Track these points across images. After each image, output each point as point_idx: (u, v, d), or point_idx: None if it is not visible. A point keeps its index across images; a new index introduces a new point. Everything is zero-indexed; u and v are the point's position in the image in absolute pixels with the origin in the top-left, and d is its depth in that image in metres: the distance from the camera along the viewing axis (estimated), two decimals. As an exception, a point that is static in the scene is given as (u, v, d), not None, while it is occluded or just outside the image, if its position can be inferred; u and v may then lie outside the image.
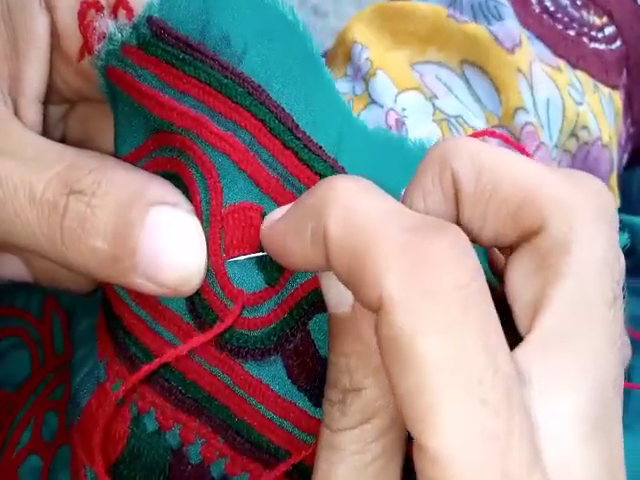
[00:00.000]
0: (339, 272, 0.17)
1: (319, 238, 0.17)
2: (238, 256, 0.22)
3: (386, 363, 0.16)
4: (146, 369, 0.22)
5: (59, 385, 0.28)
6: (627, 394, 0.32)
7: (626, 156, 0.34)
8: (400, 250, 0.16)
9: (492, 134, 0.23)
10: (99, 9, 0.22)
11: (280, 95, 0.22)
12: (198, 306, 0.22)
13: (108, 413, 0.22)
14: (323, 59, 0.23)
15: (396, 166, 0.24)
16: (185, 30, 0.21)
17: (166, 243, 0.20)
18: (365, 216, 0.17)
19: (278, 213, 0.20)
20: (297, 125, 0.22)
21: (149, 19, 0.21)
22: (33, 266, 0.25)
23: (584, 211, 0.17)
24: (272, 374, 0.22)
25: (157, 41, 0.21)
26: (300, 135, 0.22)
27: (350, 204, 0.17)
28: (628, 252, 0.33)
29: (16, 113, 0.23)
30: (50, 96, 0.24)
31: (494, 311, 0.16)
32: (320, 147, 0.22)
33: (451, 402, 0.15)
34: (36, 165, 0.21)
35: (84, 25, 0.22)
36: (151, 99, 0.21)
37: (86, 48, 0.22)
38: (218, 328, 0.21)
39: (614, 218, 0.18)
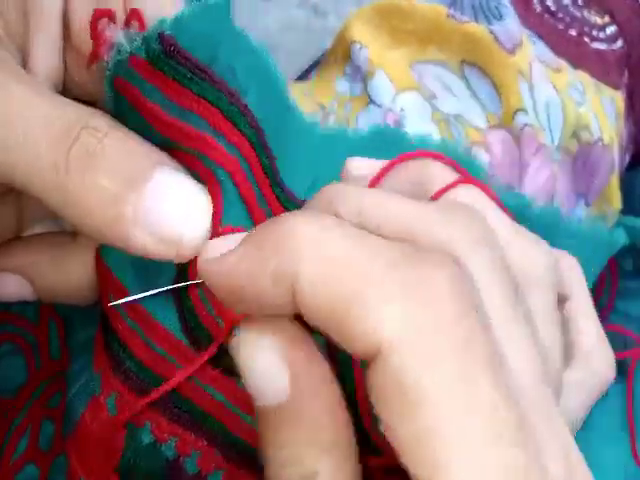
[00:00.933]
0: (316, 323, 0.16)
1: (285, 282, 0.16)
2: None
3: (385, 414, 0.15)
4: (153, 397, 0.22)
5: (56, 393, 0.28)
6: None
7: (628, 156, 0.34)
8: (394, 289, 0.15)
9: (437, 157, 0.23)
10: (112, 19, 0.22)
11: (269, 139, 0.22)
12: (191, 322, 0.22)
13: (106, 431, 0.22)
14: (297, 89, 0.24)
15: None
16: (196, 52, 0.21)
17: (171, 199, 0.20)
18: (344, 256, 0.15)
19: (222, 246, 0.18)
20: (277, 170, 0.22)
21: (161, 35, 0.20)
22: (35, 283, 0.24)
23: (460, 244, 0.17)
24: None
25: (167, 58, 0.21)
26: (278, 180, 0.22)
27: (322, 244, 0.16)
28: (630, 253, 0.33)
29: None
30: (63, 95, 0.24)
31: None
32: (292, 194, 0.23)
33: (467, 442, 0.14)
34: (55, 99, 0.21)
35: (96, 33, 0.22)
36: (156, 118, 0.21)
37: (96, 56, 0.22)
38: (212, 348, 0.21)
39: (493, 240, 0.18)
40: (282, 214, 0.17)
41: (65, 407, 0.24)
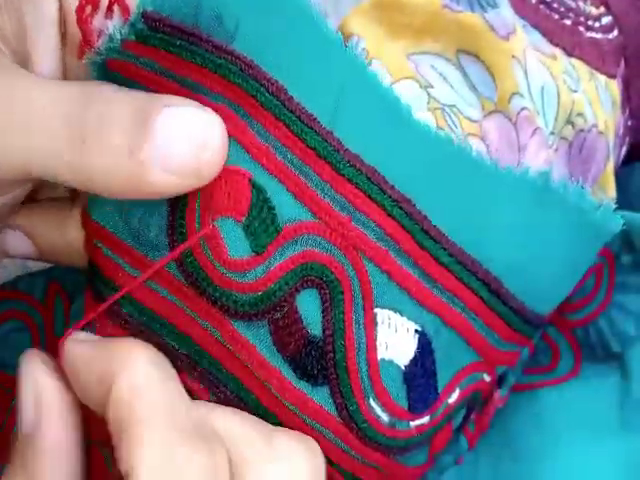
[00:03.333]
0: (110, 423, 0.19)
1: (105, 385, 0.20)
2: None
3: None
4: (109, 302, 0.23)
5: None
6: (627, 388, 0.31)
7: (624, 149, 0.34)
8: (156, 448, 0.18)
9: None
10: (96, 5, 0.22)
11: (273, 66, 0.22)
12: (188, 266, 0.22)
13: None
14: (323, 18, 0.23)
15: (397, 133, 0.24)
16: (179, 16, 0.22)
17: (182, 132, 0.20)
18: (145, 396, 0.19)
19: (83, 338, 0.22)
20: (291, 97, 0.22)
21: (144, 14, 0.22)
22: (37, 241, 0.25)
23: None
24: (259, 337, 0.22)
25: (154, 33, 0.22)
26: (293, 107, 0.22)
27: (138, 379, 0.19)
28: (628, 249, 0.33)
29: None
30: None
31: None
32: (314, 119, 0.22)
33: None
34: (60, 82, 0.22)
35: (82, 20, 0.23)
36: (155, 83, 0.22)
37: (85, 43, 0.23)
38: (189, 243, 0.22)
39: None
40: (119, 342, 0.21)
41: None
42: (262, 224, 0.22)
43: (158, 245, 0.22)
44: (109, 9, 0.22)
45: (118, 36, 0.22)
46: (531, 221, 0.24)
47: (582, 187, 0.25)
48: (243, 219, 0.22)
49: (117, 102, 0.21)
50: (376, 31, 0.32)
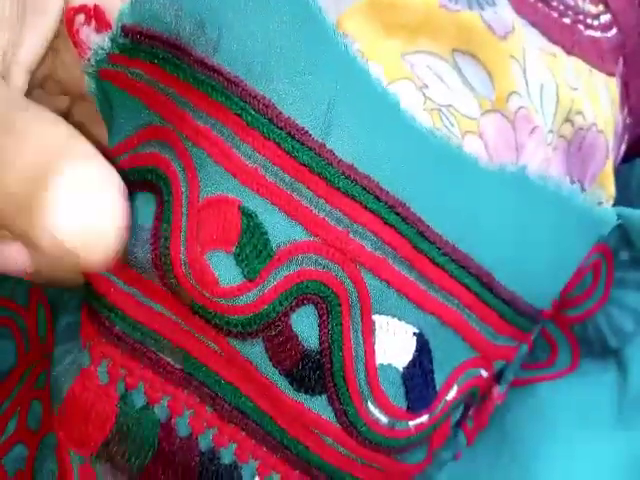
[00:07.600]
0: None
1: None
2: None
3: None
4: None
5: (42, 373, 0.28)
6: (625, 384, 0.32)
7: (623, 147, 0.34)
8: None
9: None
10: (88, 15, 0.22)
11: (260, 78, 0.21)
12: (178, 292, 0.22)
13: (98, 400, 0.22)
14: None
15: (388, 135, 0.23)
16: (160, 27, 0.21)
17: (81, 198, 0.19)
18: None
19: None
20: (280, 112, 0.21)
21: (123, 28, 0.21)
22: (34, 256, 0.25)
23: None
24: (254, 353, 0.22)
25: (136, 45, 0.21)
26: (282, 123, 0.21)
27: None
28: (626, 245, 0.33)
29: (5, 79, 0.23)
30: (52, 86, 0.25)
31: None
32: (306, 132, 0.22)
33: None
34: None
35: (72, 32, 0.22)
36: (145, 94, 0.22)
37: (78, 54, 0.23)
38: None
39: None
40: None
41: (50, 386, 0.24)
42: (254, 250, 0.21)
43: (151, 273, 0.22)
44: (98, 22, 0.22)
45: (102, 51, 0.22)
46: (517, 215, 0.25)
47: (574, 184, 0.25)
48: (233, 248, 0.21)
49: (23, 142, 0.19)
50: (371, 31, 0.31)
